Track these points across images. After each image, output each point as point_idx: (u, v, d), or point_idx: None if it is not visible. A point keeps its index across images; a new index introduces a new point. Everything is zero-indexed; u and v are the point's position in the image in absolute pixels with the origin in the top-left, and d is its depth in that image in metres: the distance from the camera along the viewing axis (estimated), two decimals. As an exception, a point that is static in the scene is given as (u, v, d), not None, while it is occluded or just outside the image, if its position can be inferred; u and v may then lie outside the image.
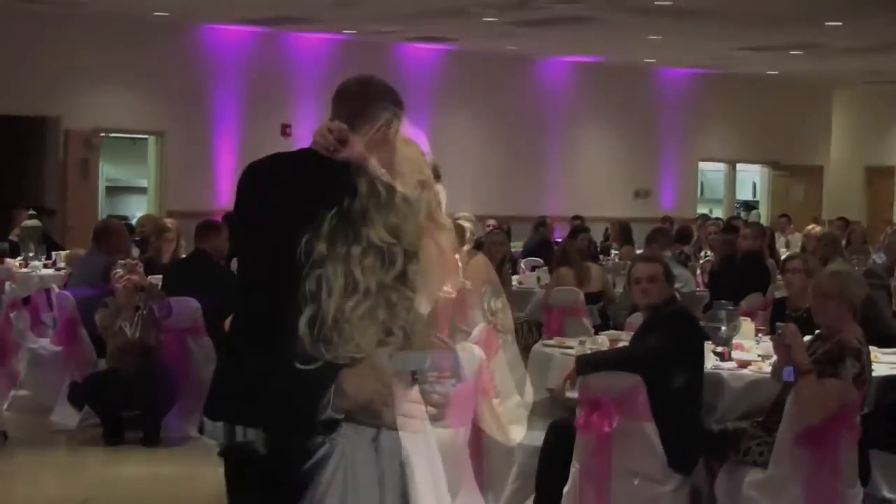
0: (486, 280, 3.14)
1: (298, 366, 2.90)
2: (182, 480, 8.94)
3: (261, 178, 3.94)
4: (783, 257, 12.88)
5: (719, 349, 7.82)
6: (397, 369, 2.95)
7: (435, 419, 2.98)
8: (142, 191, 22.64)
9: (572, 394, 6.96)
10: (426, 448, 2.99)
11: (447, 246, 3.00)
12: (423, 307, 2.95)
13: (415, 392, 2.96)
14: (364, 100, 4.02)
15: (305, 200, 3.00)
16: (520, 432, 3.28)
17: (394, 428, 2.97)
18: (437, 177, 7.67)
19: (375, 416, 2.96)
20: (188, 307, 10.09)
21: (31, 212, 16.63)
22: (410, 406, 2.96)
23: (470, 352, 3.07)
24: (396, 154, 2.96)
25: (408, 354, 2.97)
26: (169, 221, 13.60)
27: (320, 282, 2.92)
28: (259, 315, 3.03)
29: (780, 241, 19.22)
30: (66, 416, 10.26)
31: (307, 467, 2.98)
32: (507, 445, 5.56)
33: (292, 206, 3.04)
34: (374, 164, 2.94)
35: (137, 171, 23.17)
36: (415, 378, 2.96)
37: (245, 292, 3.15)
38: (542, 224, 18.67)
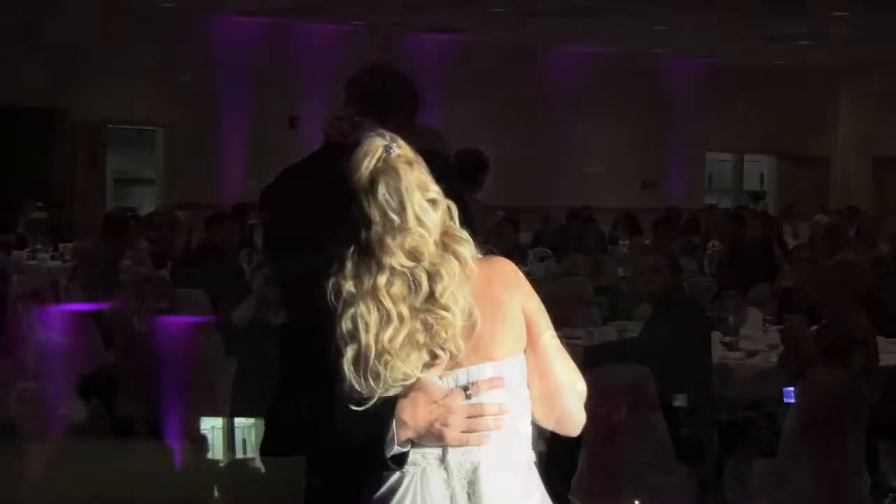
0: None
1: (353, 408, 2.94)
2: (191, 474, 8.95)
3: (282, 212, 3.98)
4: (791, 247, 12.88)
5: (727, 339, 7.82)
6: (449, 387, 3.02)
7: (493, 428, 3.03)
8: (150, 183, 22.66)
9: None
10: (494, 459, 3.04)
11: (468, 257, 3.03)
12: (459, 321, 2.98)
13: (472, 405, 3.01)
14: (370, 110, 4.03)
15: (330, 229, 3.03)
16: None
17: (458, 445, 3.02)
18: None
19: (438, 438, 3.01)
20: (197, 299, 10.10)
21: (39, 204, 16.66)
22: (471, 420, 3.01)
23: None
24: (402, 177, 2.98)
25: (458, 370, 3.03)
26: (181, 214, 13.62)
27: (356, 320, 2.96)
28: (308, 361, 3.09)
29: (787, 231, 19.21)
30: (74, 408, 10.27)
31: (377, 496, 3.04)
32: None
33: (319, 246, 3.07)
34: (382, 190, 2.97)
35: (145, 163, 23.18)
36: (468, 393, 3.01)
37: (296, 338, 3.20)
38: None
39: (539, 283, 12.77)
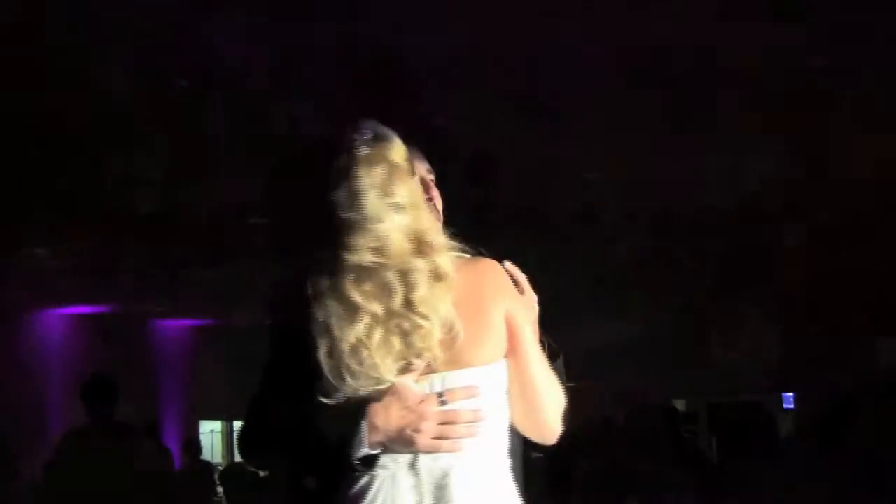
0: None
1: (328, 407, 2.94)
2: (189, 475, 8.96)
3: (280, 210, 3.99)
4: (790, 247, 12.85)
5: (727, 339, 7.83)
6: (424, 393, 2.98)
7: (466, 436, 2.99)
8: (150, 183, 22.66)
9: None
10: (467, 465, 3.01)
11: (448, 267, 3.00)
12: (438, 333, 2.95)
13: (446, 412, 2.98)
14: (371, 108, 4.04)
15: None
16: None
17: (429, 452, 2.99)
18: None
19: (409, 444, 2.97)
20: (197, 300, 10.10)
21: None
22: (443, 427, 2.98)
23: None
24: (360, 176, 2.97)
25: (434, 375, 2.99)
26: (181, 214, 13.62)
27: (327, 316, 2.95)
28: (293, 361, 3.07)
29: (787, 230, 19.15)
30: (74, 409, 10.28)
31: (349, 496, 3.00)
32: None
33: (311, 244, 3.07)
34: (342, 187, 2.96)
35: (145, 163, 23.17)
36: (442, 399, 2.98)
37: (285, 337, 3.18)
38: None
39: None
